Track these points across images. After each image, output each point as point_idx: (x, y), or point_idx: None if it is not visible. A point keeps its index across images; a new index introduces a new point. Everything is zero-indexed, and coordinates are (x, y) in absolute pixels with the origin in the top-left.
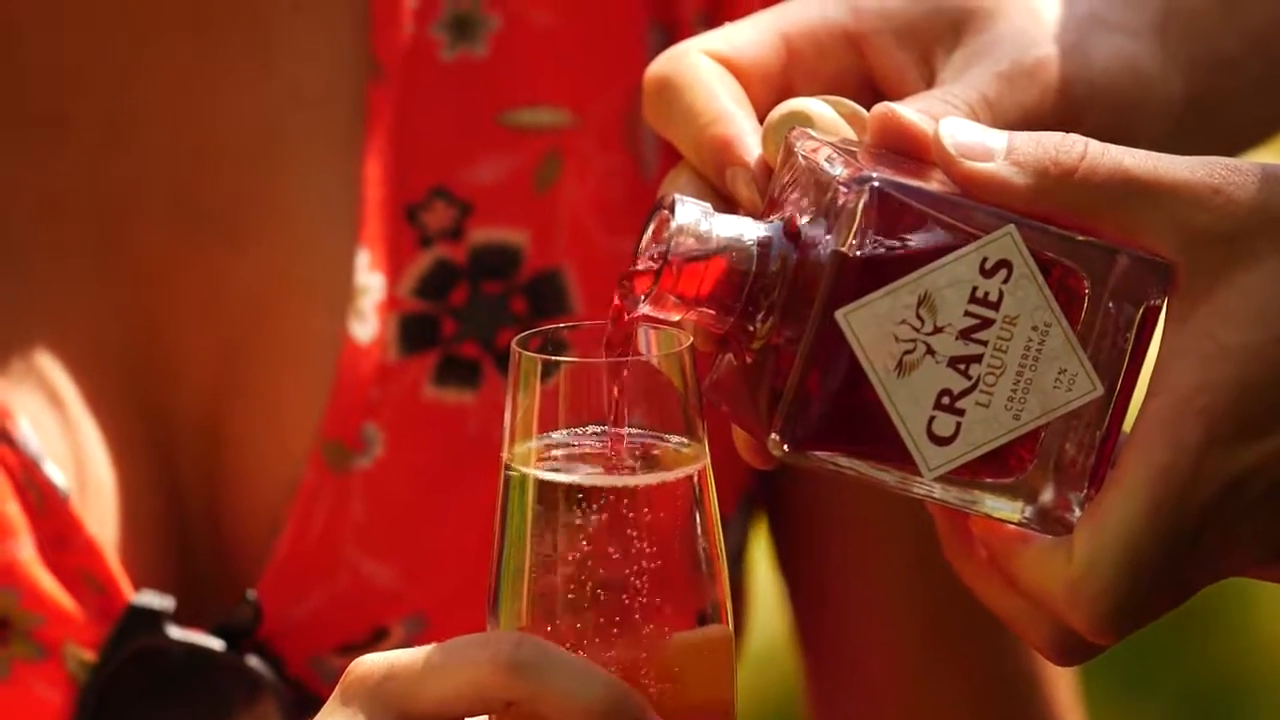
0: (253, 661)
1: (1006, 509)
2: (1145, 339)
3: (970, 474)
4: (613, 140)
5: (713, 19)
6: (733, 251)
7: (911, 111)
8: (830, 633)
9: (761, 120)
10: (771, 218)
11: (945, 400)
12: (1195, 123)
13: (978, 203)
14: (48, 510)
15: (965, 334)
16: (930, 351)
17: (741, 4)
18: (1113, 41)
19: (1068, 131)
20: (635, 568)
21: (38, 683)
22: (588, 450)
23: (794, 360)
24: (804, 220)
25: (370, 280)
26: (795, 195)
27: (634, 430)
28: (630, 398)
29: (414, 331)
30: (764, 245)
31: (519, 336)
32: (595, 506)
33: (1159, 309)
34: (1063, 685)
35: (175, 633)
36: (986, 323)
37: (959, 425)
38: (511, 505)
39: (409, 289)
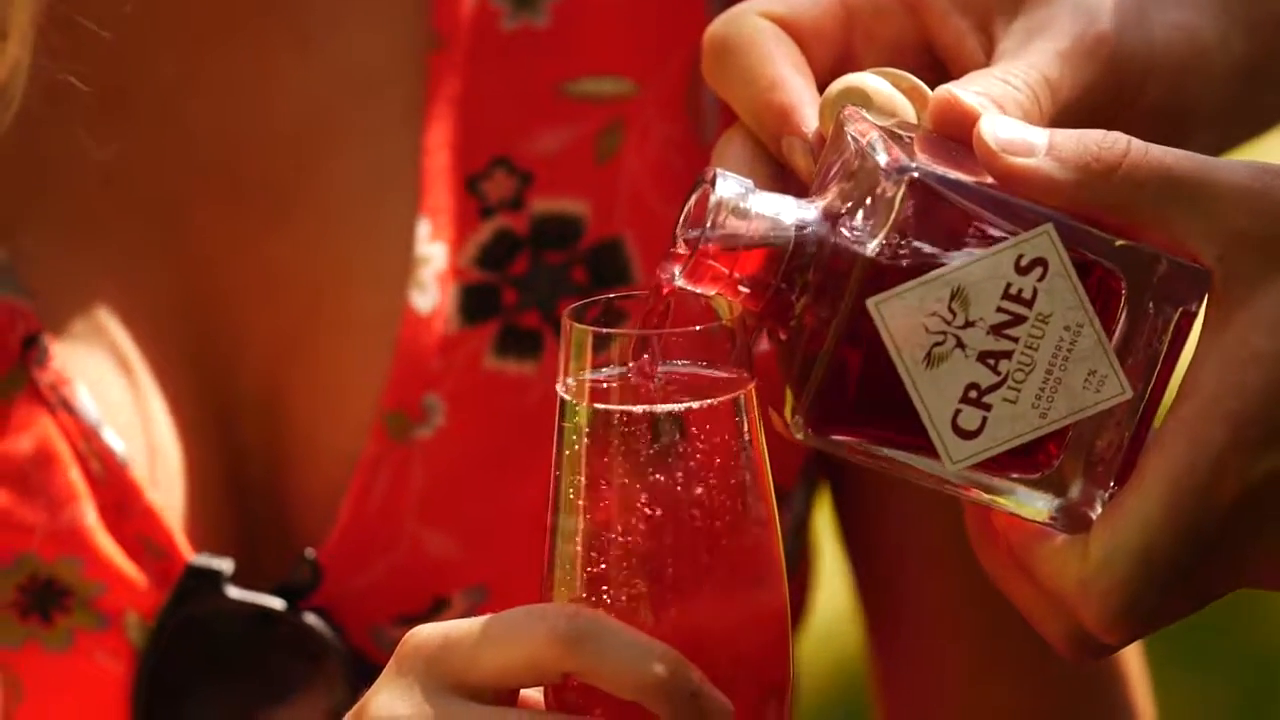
0: (312, 620)
1: (1031, 505)
2: (1179, 344)
3: (995, 468)
4: (673, 109)
5: None
6: (771, 232)
7: (971, 96)
8: (895, 606)
9: (820, 87)
10: (813, 199)
11: (972, 394)
12: (1257, 88)
13: (1018, 199)
14: (108, 477)
15: (997, 329)
16: (960, 345)
17: None
18: (1171, 13)
19: (1126, 107)
20: (688, 511)
21: (99, 653)
22: (639, 384)
23: (823, 343)
24: (844, 205)
25: (431, 250)
26: (840, 175)
27: (683, 367)
28: (679, 345)
29: (474, 301)
30: (802, 228)
31: (571, 307)
32: (644, 435)
33: (1195, 315)
34: (1133, 660)
35: (234, 593)
36: (1019, 319)
37: (985, 420)
38: (564, 434)
39: (470, 259)
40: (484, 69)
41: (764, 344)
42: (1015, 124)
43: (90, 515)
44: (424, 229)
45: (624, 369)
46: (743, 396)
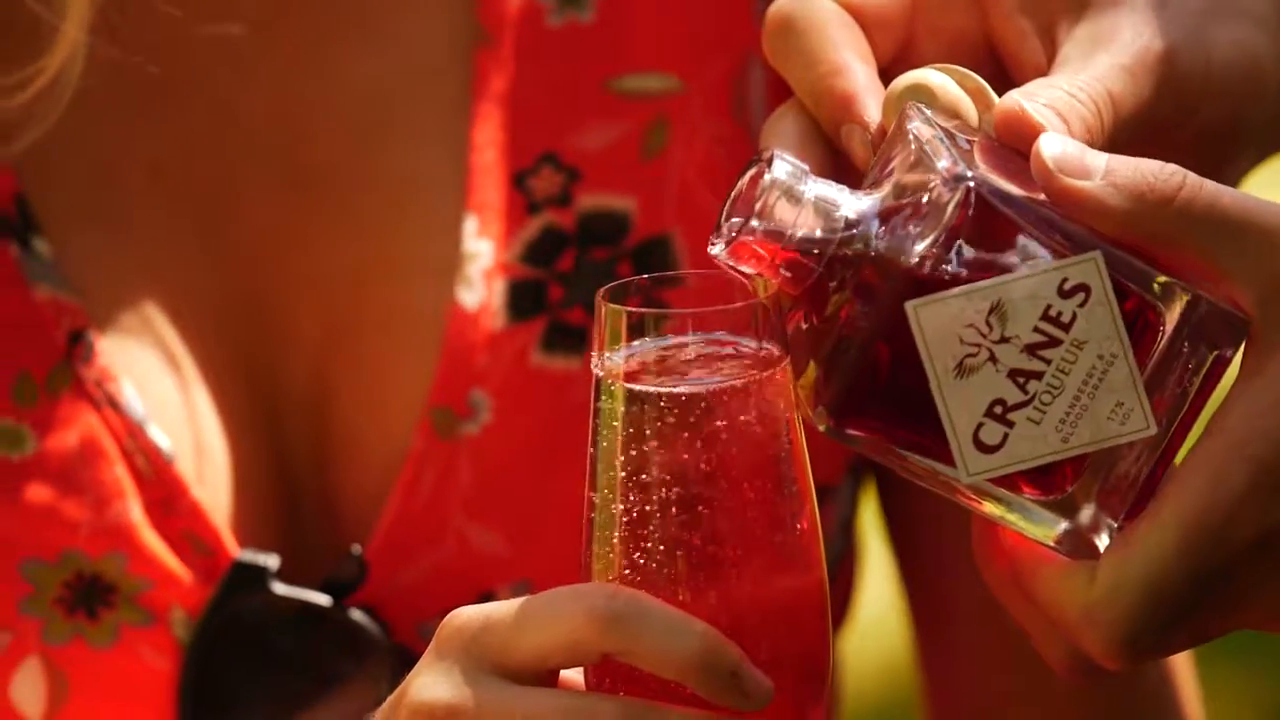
0: (358, 617)
1: (1040, 526)
2: (1210, 387)
3: (1009, 485)
4: (719, 107)
5: None
6: (820, 221)
7: (1038, 109)
8: (942, 605)
9: (881, 73)
10: (866, 191)
11: (998, 409)
12: None
13: (1069, 221)
14: (153, 473)
15: (1031, 349)
16: (993, 359)
17: None
18: (1232, 30)
19: (1179, 126)
20: (725, 490)
21: (145, 648)
22: (675, 360)
23: (857, 337)
24: (897, 203)
25: (478, 247)
26: (896, 172)
27: (720, 341)
28: (714, 323)
29: (521, 298)
30: (852, 221)
31: (606, 288)
32: (681, 412)
33: (1229, 361)
34: (1183, 666)
35: (280, 588)
36: (1054, 342)
37: (1006, 436)
38: (600, 413)
39: (517, 255)
40: (530, 65)
41: (791, 325)
42: (1074, 145)
43: (136, 511)
44: (471, 225)
45: (660, 347)
46: (778, 375)
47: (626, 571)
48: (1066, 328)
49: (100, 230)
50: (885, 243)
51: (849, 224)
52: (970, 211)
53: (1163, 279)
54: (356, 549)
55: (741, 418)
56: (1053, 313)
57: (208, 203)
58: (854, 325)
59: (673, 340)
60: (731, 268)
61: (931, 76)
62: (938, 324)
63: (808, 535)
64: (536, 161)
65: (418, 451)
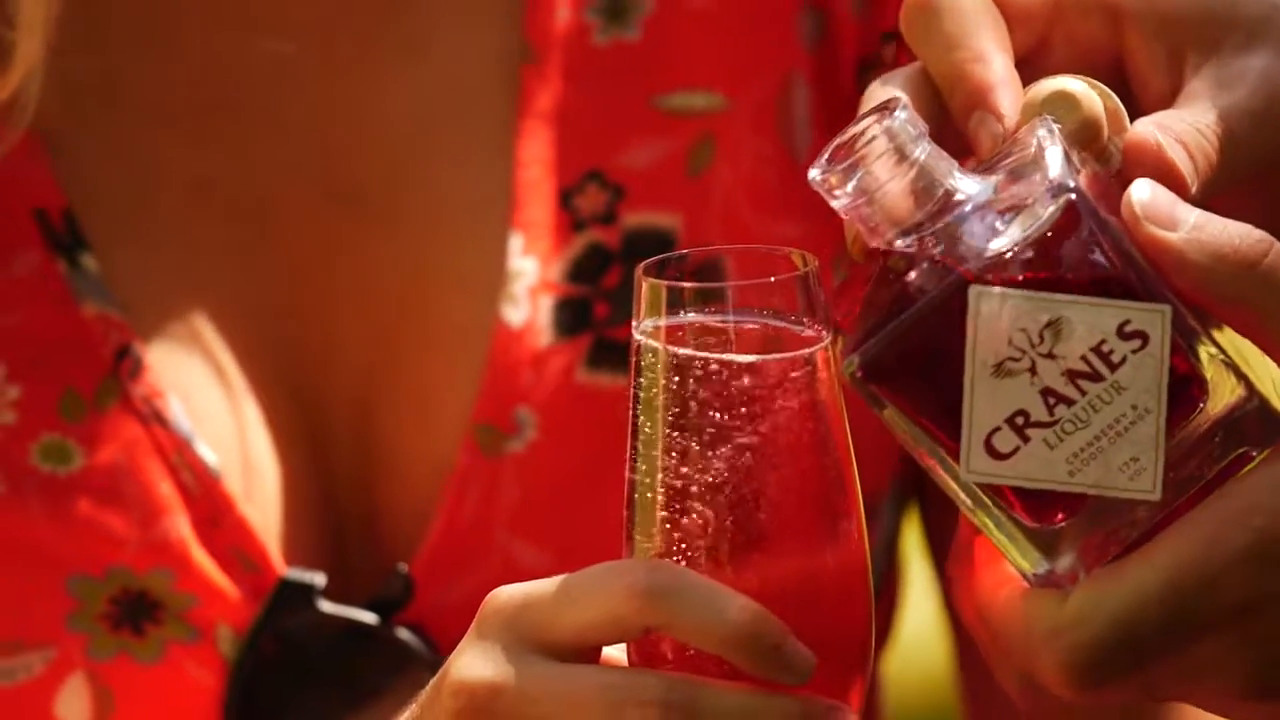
0: (405, 636)
1: (1017, 550)
2: (1224, 477)
3: (1003, 500)
4: (765, 125)
5: (869, 2)
6: (921, 185)
7: (1171, 142)
8: None
9: (1017, 65)
10: (972, 174)
11: (1019, 420)
12: None
13: (1151, 268)
14: (200, 490)
15: (1072, 375)
16: (1033, 371)
17: None
18: None
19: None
20: (767, 463)
21: (191, 665)
22: (716, 334)
23: (913, 303)
24: (997, 195)
25: (523, 264)
26: (1007, 167)
27: (759, 318)
28: (756, 296)
29: (566, 315)
30: (949, 197)
31: (646, 263)
32: (723, 384)
33: (1251, 460)
34: None
35: (327, 607)
36: (1097, 377)
37: (1017, 450)
38: (641, 386)
39: (562, 273)
40: (576, 83)
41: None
42: (1166, 195)
43: (182, 528)
44: (516, 243)
45: (702, 320)
46: (820, 349)
47: (667, 546)
48: (1113, 367)
49: (147, 246)
50: (973, 227)
51: (947, 196)
52: (1064, 224)
53: (1224, 359)
54: (403, 568)
55: (782, 392)
56: (1105, 349)
57: (254, 219)
58: (916, 291)
59: (714, 313)
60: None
61: (1076, 86)
62: (994, 317)
63: (850, 509)
64: (582, 179)
65: (463, 469)
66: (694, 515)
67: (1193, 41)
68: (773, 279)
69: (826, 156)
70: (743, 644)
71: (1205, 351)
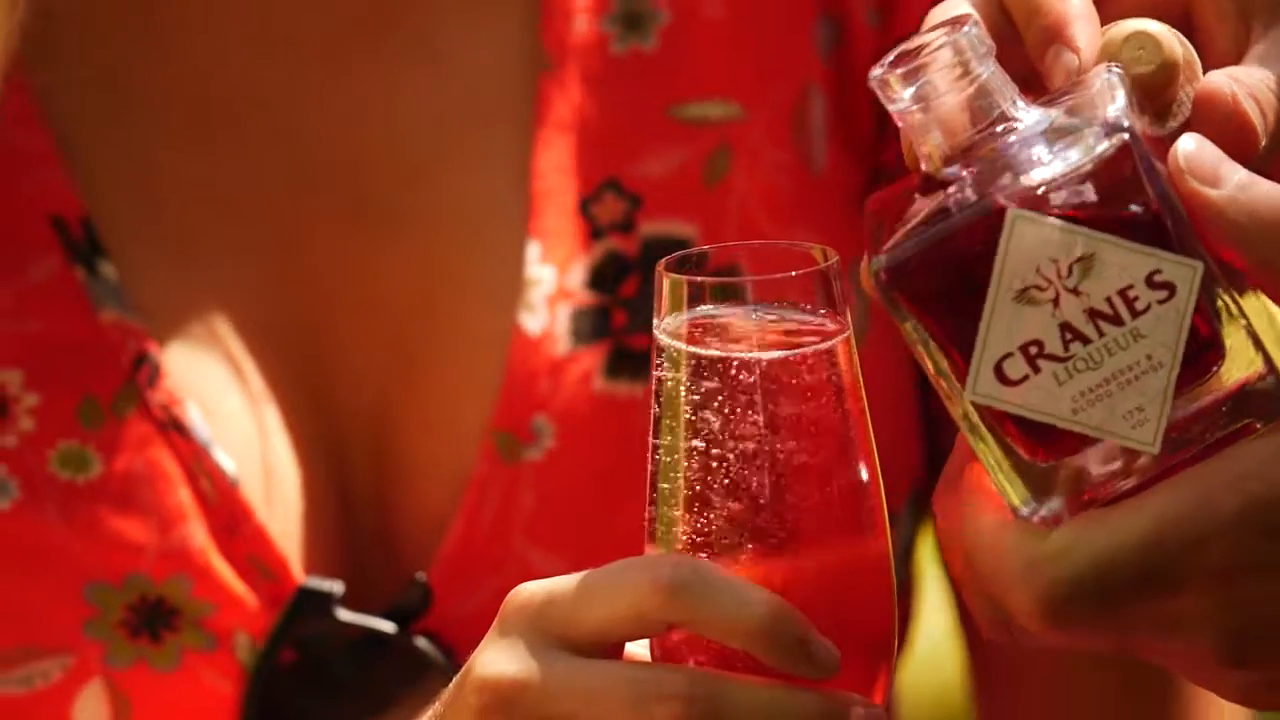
0: (422, 645)
1: (1006, 481)
2: (1223, 445)
3: (1003, 427)
4: (781, 134)
5: (885, 12)
6: (979, 104)
7: (1245, 95)
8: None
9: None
10: (1034, 103)
11: (1032, 350)
12: None
13: (1192, 223)
14: (218, 497)
15: (1093, 314)
16: (1055, 303)
17: None
18: None
19: None
20: (788, 458)
21: (208, 673)
22: (737, 327)
23: (950, 215)
24: (1054, 126)
25: (541, 272)
26: (1068, 101)
27: (782, 308)
28: (775, 290)
29: (584, 323)
30: (1004, 119)
31: (666, 259)
32: (743, 379)
33: (1253, 431)
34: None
35: (345, 615)
36: (1117, 320)
37: (1026, 378)
38: (663, 382)
39: (580, 281)
40: (593, 92)
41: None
42: (1212, 151)
43: (200, 535)
44: (534, 251)
45: (722, 315)
46: (840, 343)
47: (689, 541)
48: (1135, 314)
49: (165, 254)
50: (1022, 153)
51: (1002, 119)
52: (1113, 164)
53: (1248, 328)
54: (422, 576)
55: (803, 386)
56: (1131, 294)
57: (272, 228)
58: (955, 205)
59: (735, 308)
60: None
61: (1159, 29)
62: (1027, 242)
63: (872, 504)
64: (599, 188)
65: (480, 477)
66: (716, 510)
67: (1261, 9)
68: (793, 274)
69: (890, 59)
70: (766, 638)
71: (1230, 318)
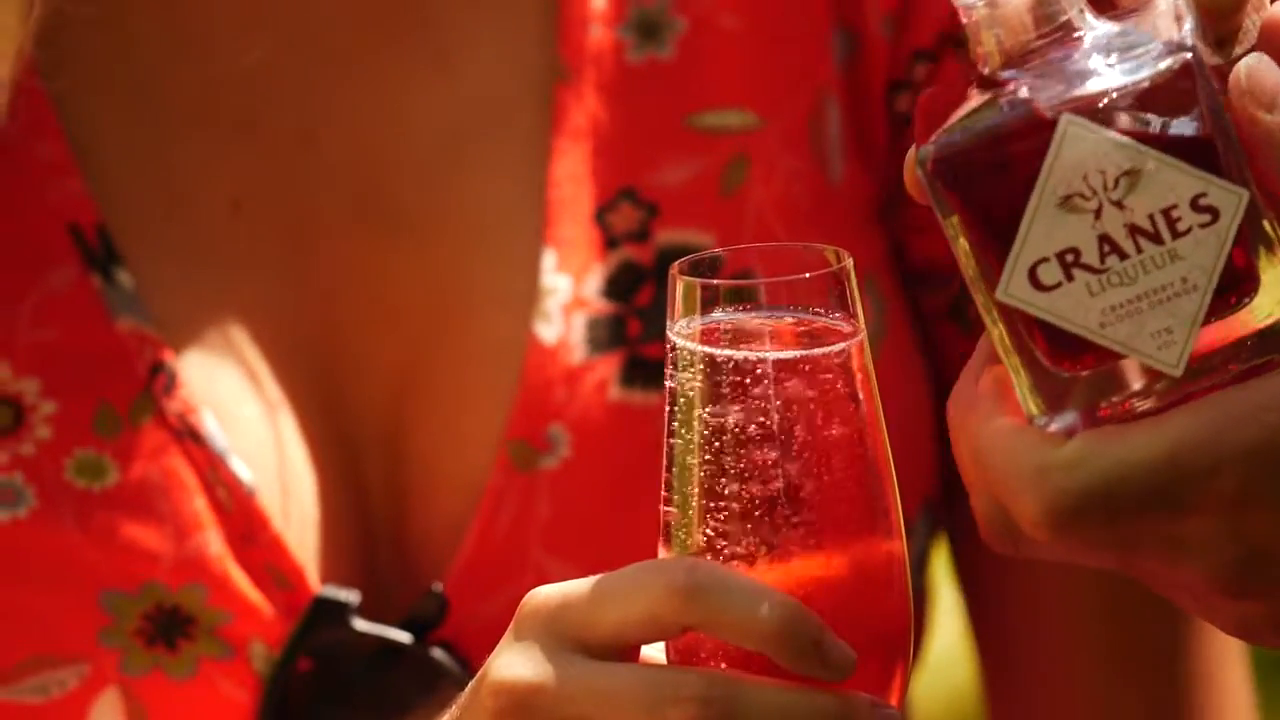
0: (438, 655)
1: (1025, 385)
2: (1245, 378)
3: (1029, 330)
4: (798, 143)
5: (901, 22)
6: (1043, 9)
7: None
8: (1012, 646)
9: None
10: (1101, 18)
11: (1069, 258)
12: None
13: (1244, 150)
14: (235, 506)
15: (1133, 230)
16: (1098, 214)
17: (930, 6)
18: None
19: None
20: (803, 459)
21: (224, 681)
22: (751, 329)
23: (1005, 110)
24: (1118, 38)
25: (556, 281)
26: (1133, 19)
27: (797, 311)
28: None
29: (600, 332)
30: (1067, 26)
31: (680, 262)
32: (757, 381)
33: (1275, 367)
34: (1242, 713)
35: (361, 625)
36: (1157, 239)
37: (1058, 285)
38: (677, 384)
39: (595, 290)
40: (610, 101)
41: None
42: (1276, 77)
43: (216, 544)
44: (549, 260)
45: (736, 317)
46: (855, 345)
47: (704, 543)
48: (1175, 235)
49: (180, 262)
50: (1082, 63)
51: (1066, 27)
52: (1172, 81)
53: None
54: (438, 587)
55: (818, 387)
56: (1174, 214)
57: (287, 236)
58: (1007, 104)
59: (749, 311)
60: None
61: None
62: (1077, 149)
63: (887, 505)
64: (615, 197)
65: (496, 485)
66: (731, 513)
67: None
68: (807, 275)
69: None
70: (781, 640)
71: (1268, 253)
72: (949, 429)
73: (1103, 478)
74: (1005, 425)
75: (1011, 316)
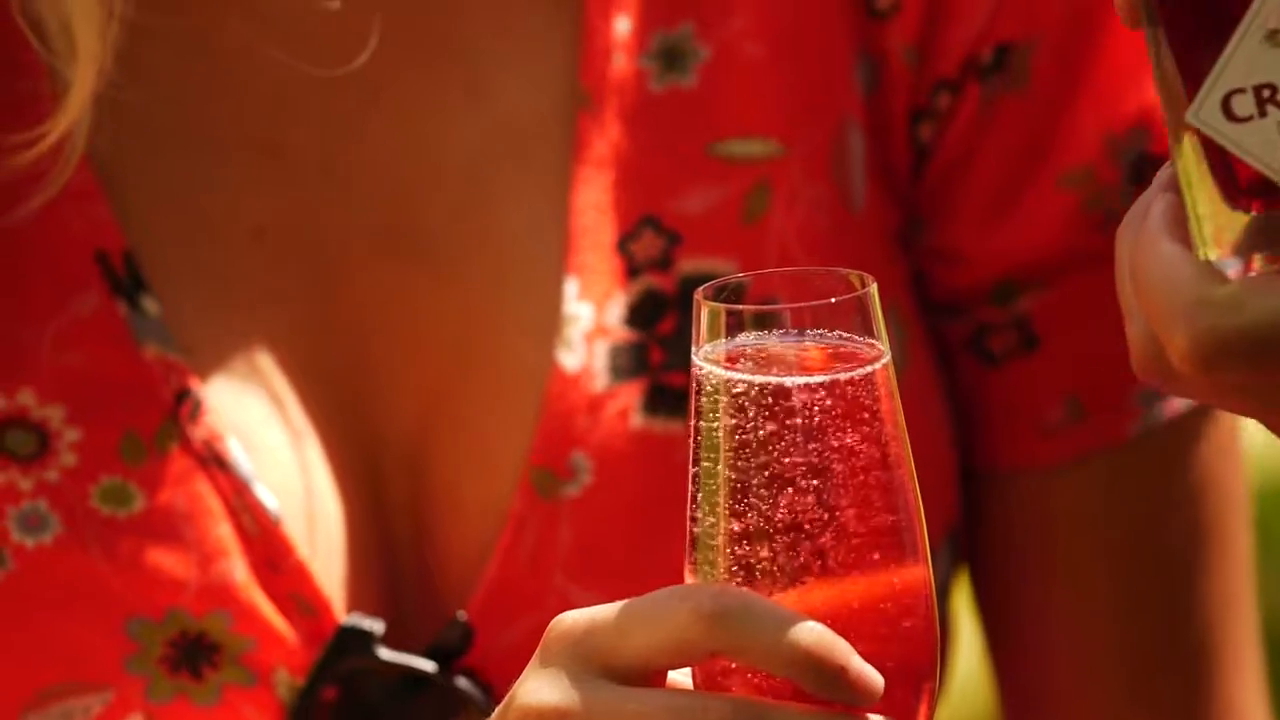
0: (462, 684)
1: (1199, 226)
2: None
3: (1213, 163)
4: (820, 172)
5: (923, 51)
6: None
7: None
8: (1031, 678)
9: None
10: None
11: (1265, 93)
12: None
13: None
14: (260, 533)
15: None
16: None
17: (953, 35)
18: None
19: None
20: (829, 484)
21: (248, 709)
22: (777, 356)
23: None
24: None
25: (579, 309)
26: None
27: (821, 336)
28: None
29: (622, 360)
30: None
31: (704, 287)
32: (782, 406)
33: None
34: None
35: (386, 654)
36: None
37: (1250, 119)
38: (703, 410)
39: (618, 317)
40: (632, 129)
41: None
42: None
43: (241, 571)
44: (572, 288)
45: (762, 342)
46: (880, 369)
47: (730, 568)
48: None
49: (206, 289)
50: None
51: None
52: None
53: None
54: (462, 615)
55: (843, 411)
56: None
57: (311, 264)
58: None
59: (774, 336)
60: None
61: None
62: None
63: (913, 530)
64: (637, 225)
65: (518, 513)
66: (757, 538)
67: None
68: (832, 300)
69: None
70: (809, 666)
71: None
72: (1115, 247)
73: (1255, 323)
74: (1171, 252)
75: (1196, 143)
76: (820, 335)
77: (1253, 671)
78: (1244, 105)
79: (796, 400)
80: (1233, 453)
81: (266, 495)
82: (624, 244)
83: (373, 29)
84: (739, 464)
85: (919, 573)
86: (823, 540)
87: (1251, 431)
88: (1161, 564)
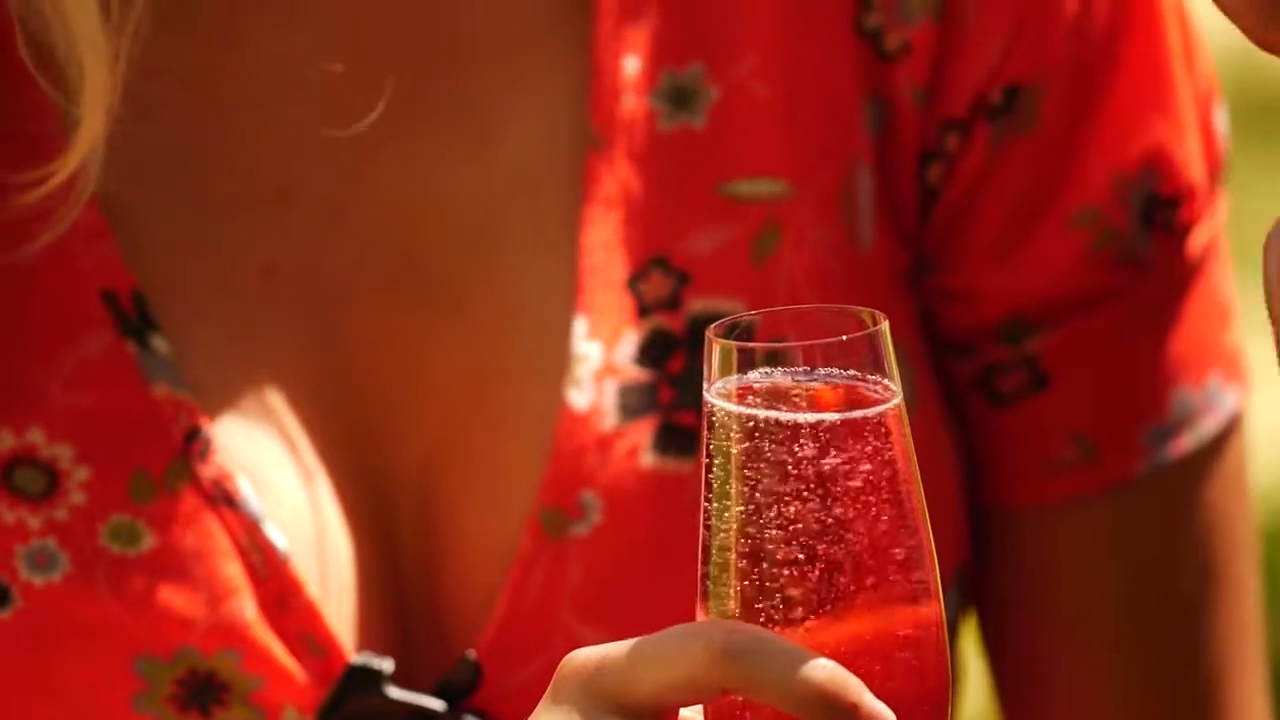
0: None
1: None
2: None
3: None
4: (829, 212)
5: (932, 93)
6: None
7: None
8: (1038, 718)
9: None
10: None
11: None
12: None
13: None
14: (269, 571)
15: None
16: None
17: (962, 76)
18: None
19: None
20: (841, 522)
21: None
22: (788, 394)
23: None
24: None
25: (588, 349)
26: None
27: (833, 373)
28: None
29: (631, 400)
30: None
31: (715, 324)
32: (796, 443)
33: None
34: None
35: (395, 693)
36: None
37: None
38: (715, 446)
39: (627, 357)
40: (642, 169)
41: None
42: None
43: (250, 609)
44: (581, 327)
45: (774, 379)
46: (892, 407)
47: (742, 606)
48: None
49: (215, 329)
50: None
51: None
52: None
53: None
54: (472, 654)
55: (855, 450)
56: None
57: (320, 305)
58: None
59: (785, 373)
60: None
61: None
62: None
63: (925, 568)
64: (646, 265)
65: (527, 552)
66: (768, 575)
67: None
68: (844, 338)
69: None
70: (821, 704)
71: None
72: (1263, 258)
73: None
74: None
75: None
76: (832, 373)
77: (1261, 714)
78: None
79: (809, 437)
80: (1241, 493)
81: (276, 534)
82: (633, 284)
83: (383, 90)
84: (750, 501)
85: (931, 610)
86: (835, 577)
87: (1259, 471)
88: (1169, 603)
